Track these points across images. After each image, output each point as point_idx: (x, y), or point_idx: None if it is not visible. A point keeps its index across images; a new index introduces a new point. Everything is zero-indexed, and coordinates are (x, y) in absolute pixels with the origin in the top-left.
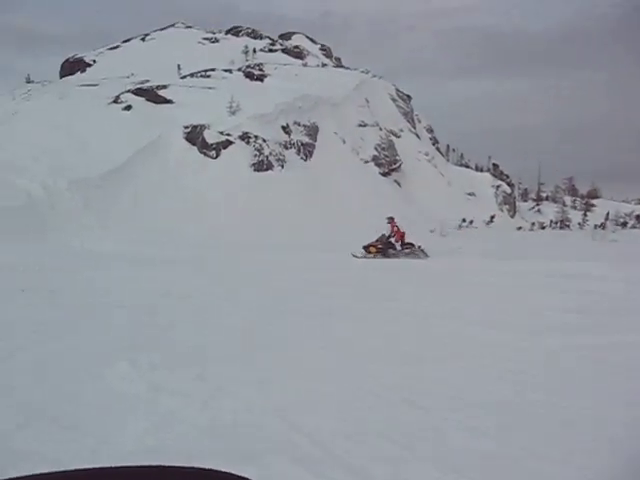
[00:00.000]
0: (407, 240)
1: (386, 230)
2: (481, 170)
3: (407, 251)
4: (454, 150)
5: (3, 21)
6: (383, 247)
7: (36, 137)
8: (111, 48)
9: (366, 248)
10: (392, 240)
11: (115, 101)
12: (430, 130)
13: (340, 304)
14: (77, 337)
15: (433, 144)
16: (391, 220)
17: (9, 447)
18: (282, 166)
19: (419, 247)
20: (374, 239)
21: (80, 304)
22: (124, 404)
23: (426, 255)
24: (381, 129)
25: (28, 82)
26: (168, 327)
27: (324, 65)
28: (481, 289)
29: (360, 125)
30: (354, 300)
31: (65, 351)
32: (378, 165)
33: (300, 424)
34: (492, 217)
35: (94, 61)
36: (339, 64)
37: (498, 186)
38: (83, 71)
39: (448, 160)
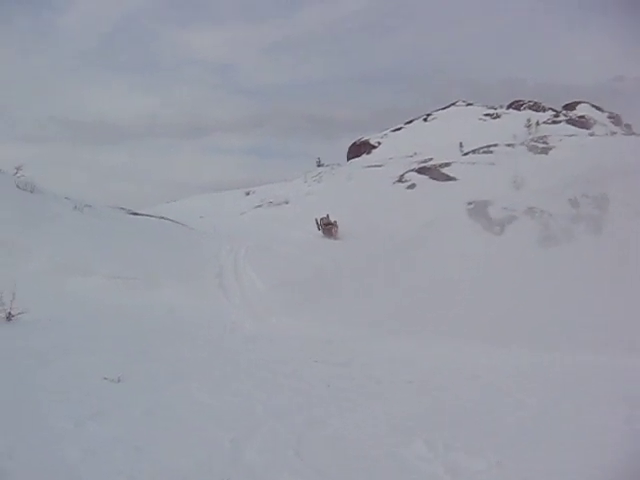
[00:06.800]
0: None
1: None
2: None
3: None
4: None
5: (301, 109)
6: None
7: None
8: (395, 130)
9: None
10: None
11: (399, 180)
12: None
13: None
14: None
15: None
16: None
17: None
18: (570, 241)
19: None
20: None
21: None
22: None
23: None
24: None
25: (319, 165)
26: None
27: (613, 134)
28: None
29: None
30: None
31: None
32: None
33: None
34: None
35: (379, 143)
36: (630, 131)
37: None
38: (369, 153)
39: None
